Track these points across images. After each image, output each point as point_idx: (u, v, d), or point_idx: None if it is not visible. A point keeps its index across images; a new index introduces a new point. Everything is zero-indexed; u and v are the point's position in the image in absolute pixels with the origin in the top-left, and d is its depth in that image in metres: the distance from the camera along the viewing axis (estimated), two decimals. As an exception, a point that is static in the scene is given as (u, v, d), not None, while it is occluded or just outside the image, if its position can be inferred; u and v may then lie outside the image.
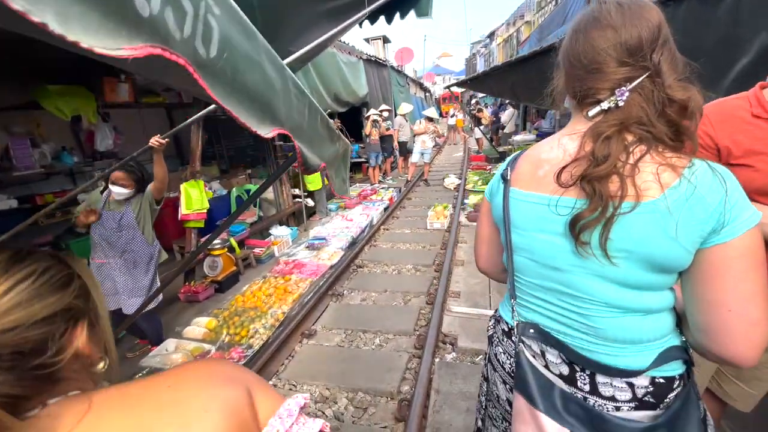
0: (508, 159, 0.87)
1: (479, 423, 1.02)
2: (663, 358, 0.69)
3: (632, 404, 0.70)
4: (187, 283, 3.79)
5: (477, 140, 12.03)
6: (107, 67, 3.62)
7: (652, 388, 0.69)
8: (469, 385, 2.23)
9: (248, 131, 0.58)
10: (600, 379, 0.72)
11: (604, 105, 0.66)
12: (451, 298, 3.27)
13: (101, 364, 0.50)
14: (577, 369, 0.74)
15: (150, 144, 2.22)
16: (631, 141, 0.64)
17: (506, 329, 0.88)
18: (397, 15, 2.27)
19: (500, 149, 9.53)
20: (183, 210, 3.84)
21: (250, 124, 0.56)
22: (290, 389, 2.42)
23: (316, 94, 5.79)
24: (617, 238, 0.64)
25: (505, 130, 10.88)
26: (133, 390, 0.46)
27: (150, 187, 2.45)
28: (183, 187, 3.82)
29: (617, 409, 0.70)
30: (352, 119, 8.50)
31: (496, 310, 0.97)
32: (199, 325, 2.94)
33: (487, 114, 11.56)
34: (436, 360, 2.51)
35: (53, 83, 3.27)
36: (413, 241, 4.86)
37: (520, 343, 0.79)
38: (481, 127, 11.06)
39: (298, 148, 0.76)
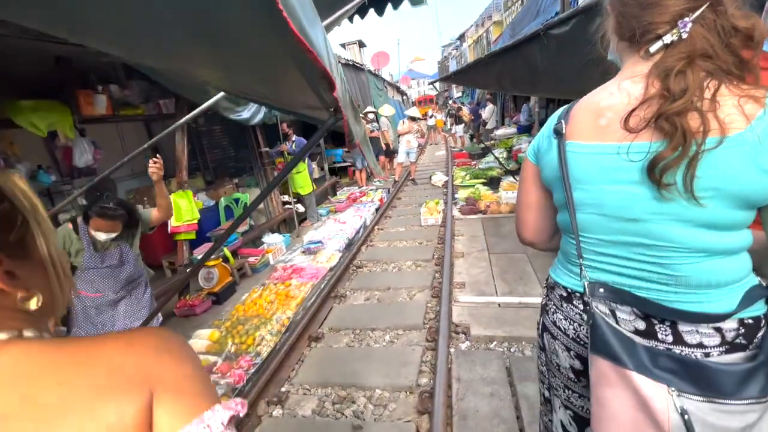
0: (559, 112, 0.82)
1: (545, 393, 0.98)
2: (749, 299, 0.68)
3: (722, 348, 0.68)
4: (182, 298, 3.64)
5: (457, 137, 12.20)
6: (81, 79, 3.49)
7: (743, 330, 0.68)
8: (488, 371, 2.22)
9: (320, 78, 0.54)
10: (683, 327, 0.70)
11: (667, 39, 0.65)
12: (456, 289, 3.26)
13: (32, 301, 0.41)
14: (655, 321, 0.72)
15: (150, 174, 2.09)
16: (703, 76, 0.63)
17: (565, 294, 0.84)
18: (389, 6, 2.24)
19: (486, 144, 9.69)
20: (173, 222, 3.71)
21: (326, 66, 0.53)
22: (304, 394, 2.35)
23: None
24: (704, 176, 0.62)
25: (486, 126, 11.09)
26: (43, 361, 0.37)
27: (152, 213, 2.27)
28: (171, 198, 3.69)
29: (706, 355, 0.68)
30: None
31: (547, 278, 0.93)
32: (201, 338, 2.82)
33: (466, 112, 11.77)
34: (452, 350, 2.49)
35: (25, 98, 3.10)
36: (409, 238, 4.85)
37: (593, 304, 0.75)
38: (462, 126, 11.24)
39: (345, 116, 0.72)
